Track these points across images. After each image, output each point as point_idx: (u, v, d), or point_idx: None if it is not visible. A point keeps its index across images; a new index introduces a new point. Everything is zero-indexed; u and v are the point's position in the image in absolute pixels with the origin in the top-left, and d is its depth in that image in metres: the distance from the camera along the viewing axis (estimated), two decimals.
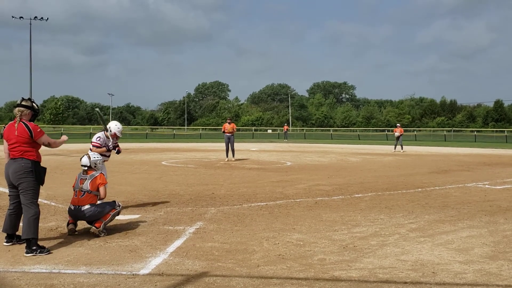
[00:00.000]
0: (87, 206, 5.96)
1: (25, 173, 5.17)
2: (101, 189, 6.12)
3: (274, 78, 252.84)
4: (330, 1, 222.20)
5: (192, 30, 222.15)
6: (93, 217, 5.96)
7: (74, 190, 6.14)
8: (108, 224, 6.19)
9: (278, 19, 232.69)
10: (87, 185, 6.06)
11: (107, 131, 7.64)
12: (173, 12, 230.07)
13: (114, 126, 7.72)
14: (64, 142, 5.82)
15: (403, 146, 27.28)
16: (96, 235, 5.86)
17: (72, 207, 6.00)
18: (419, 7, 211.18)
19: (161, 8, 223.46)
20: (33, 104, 5.47)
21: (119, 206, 6.24)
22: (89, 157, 6.39)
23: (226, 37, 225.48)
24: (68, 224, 6.05)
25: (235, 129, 18.78)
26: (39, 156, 5.38)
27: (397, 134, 26.39)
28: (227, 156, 18.46)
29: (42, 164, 5.39)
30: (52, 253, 5.11)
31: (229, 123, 18.59)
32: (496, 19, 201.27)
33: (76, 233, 6.03)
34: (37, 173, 5.25)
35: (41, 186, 5.37)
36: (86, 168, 6.28)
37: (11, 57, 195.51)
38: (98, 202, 6.16)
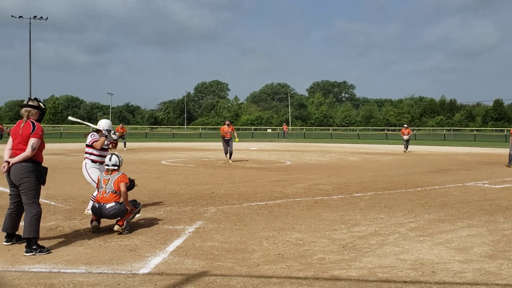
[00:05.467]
0: (111, 204, 6.02)
1: (27, 173, 5.15)
2: (122, 184, 6.16)
3: (278, 78, 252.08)
4: (337, 0, 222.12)
5: (197, 29, 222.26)
6: (117, 216, 6.03)
7: (98, 190, 6.26)
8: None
9: (285, 19, 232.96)
10: (111, 185, 6.16)
11: (97, 132, 7.55)
12: (180, 11, 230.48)
13: (105, 124, 7.65)
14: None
15: (408, 147, 26.56)
16: (120, 233, 5.93)
17: (97, 205, 6.08)
18: (427, 6, 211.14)
19: (168, 7, 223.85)
20: (40, 103, 5.47)
21: (139, 205, 6.42)
22: (118, 156, 6.49)
23: (231, 36, 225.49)
24: (91, 222, 6.11)
25: (234, 132, 17.63)
26: (41, 156, 5.37)
27: (406, 137, 25.77)
28: (226, 155, 17.64)
29: (43, 164, 5.39)
30: (52, 252, 5.11)
31: (228, 125, 17.58)
32: (505, 18, 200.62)
33: (99, 230, 6.07)
34: (38, 173, 5.23)
35: (42, 186, 5.37)
36: (115, 167, 6.35)
37: (13, 56, 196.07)
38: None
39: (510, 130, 18.45)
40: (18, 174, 5.15)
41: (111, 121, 7.96)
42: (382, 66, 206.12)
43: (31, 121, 5.28)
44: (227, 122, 17.76)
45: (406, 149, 26.09)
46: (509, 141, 17.69)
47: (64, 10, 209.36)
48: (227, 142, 17.35)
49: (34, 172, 5.19)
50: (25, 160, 5.16)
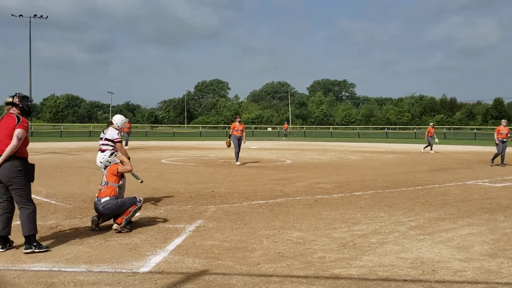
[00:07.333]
0: (106, 198, 6.04)
1: (16, 172, 5.05)
2: (120, 167, 6.31)
3: (278, 77, 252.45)
4: None
5: (199, 28, 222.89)
6: (111, 211, 6.01)
7: (101, 185, 6.44)
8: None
9: (286, 17, 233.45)
10: (104, 178, 6.32)
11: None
12: (182, 9, 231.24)
13: (120, 121, 7.69)
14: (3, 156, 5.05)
15: (425, 148, 24.63)
16: (119, 232, 5.92)
17: (96, 199, 6.16)
18: (429, 4, 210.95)
19: (170, 5, 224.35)
20: (14, 98, 5.25)
21: (140, 202, 6.30)
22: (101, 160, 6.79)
23: (232, 35, 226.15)
24: (92, 217, 6.14)
25: (244, 132, 16.15)
26: (26, 152, 5.26)
27: (437, 140, 24.20)
28: (237, 159, 15.93)
29: (36, 162, 5.33)
30: (50, 250, 5.12)
31: (239, 122, 16.16)
32: (507, 17, 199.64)
33: (98, 229, 6.05)
34: (26, 171, 5.14)
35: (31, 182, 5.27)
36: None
37: (14, 55, 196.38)
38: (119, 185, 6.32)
39: (495, 128, 17.64)
40: (7, 174, 5.05)
41: (110, 119, 7.95)
42: (383, 65, 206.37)
43: (16, 116, 5.18)
44: (238, 119, 16.36)
45: (430, 149, 24.16)
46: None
47: (65, 8, 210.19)
48: (239, 140, 15.91)
49: (22, 170, 5.10)
50: (12, 158, 5.05)
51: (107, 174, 6.34)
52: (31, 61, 55.45)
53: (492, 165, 16.17)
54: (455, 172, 14.15)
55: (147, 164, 15.94)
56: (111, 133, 7.51)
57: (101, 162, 7.26)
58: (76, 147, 26.12)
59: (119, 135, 7.51)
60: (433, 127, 24.70)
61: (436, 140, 24.69)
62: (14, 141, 5.05)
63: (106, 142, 7.46)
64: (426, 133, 24.53)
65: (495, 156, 16.39)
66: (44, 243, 5.28)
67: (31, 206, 5.17)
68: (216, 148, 26.68)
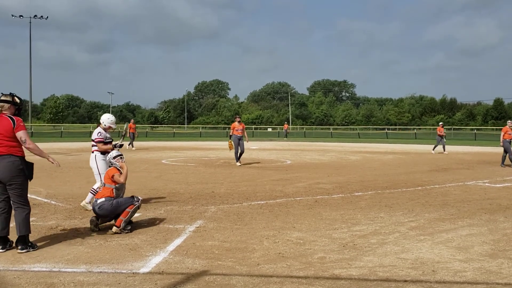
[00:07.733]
0: (101, 200, 6.04)
1: (17, 171, 5.04)
2: (115, 175, 6.27)
3: (278, 77, 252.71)
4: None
5: (199, 28, 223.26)
6: (106, 212, 5.99)
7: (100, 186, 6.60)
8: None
9: (286, 17, 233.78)
10: (103, 179, 6.42)
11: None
12: (182, 9, 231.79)
13: (107, 119, 7.73)
14: (42, 155, 5.32)
15: (436, 148, 24.55)
16: (118, 233, 5.91)
17: (93, 200, 6.25)
18: (429, 4, 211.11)
19: (170, 5, 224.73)
20: (14, 98, 5.25)
21: (138, 201, 6.19)
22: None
23: (232, 35, 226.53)
24: (91, 217, 6.15)
25: (245, 132, 16.14)
26: (23, 150, 5.24)
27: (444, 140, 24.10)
28: (237, 157, 15.98)
29: (36, 163, 5.32)
30: (39, 248, 5.17)
31: (239, 122, 16.02)
32: (507, 17, 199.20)
33: (98, 229, 6.04)
34: (27, 170, 5.15)
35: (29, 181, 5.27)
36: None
37: (14, 55, 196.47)
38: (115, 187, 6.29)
39: (502, 128, 17.34)
40: (8, 173, 5.02)
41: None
42: (383, 65, 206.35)
43: (8, 116, 5.13)
44: (237, 119, 16.22)
45: (433, 149, 24.38)
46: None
47: (65, 8, 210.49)
48: (239, 140, 15.87)
49: (23, 169, 5.10)
50: (13, 157, 5.04)
51: (105, 175, 6.34)
52: (31, 61, 55.64)
53: None
54: (455, 172, 14.15)
55: (147, 165, 15.94)
56: (93, 133, 7.60)
57: (110, 162, 7.22)
58: (76, 147, 26.10)
59: (99, 135, 7.50)
60: (442, 126, 24.38)
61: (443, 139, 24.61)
62: (26, 145, 5.09)
63: (93, 142, 7.55)
64: (438, 132, 24.14)
65: (511, 156, 16.16)
66: (44, 244, 5.30)
67: (28, 206, 5.19)
68: (216, 148, 26.68)
